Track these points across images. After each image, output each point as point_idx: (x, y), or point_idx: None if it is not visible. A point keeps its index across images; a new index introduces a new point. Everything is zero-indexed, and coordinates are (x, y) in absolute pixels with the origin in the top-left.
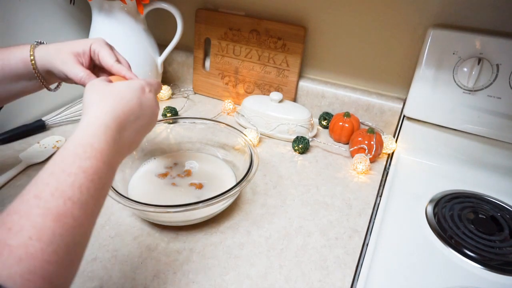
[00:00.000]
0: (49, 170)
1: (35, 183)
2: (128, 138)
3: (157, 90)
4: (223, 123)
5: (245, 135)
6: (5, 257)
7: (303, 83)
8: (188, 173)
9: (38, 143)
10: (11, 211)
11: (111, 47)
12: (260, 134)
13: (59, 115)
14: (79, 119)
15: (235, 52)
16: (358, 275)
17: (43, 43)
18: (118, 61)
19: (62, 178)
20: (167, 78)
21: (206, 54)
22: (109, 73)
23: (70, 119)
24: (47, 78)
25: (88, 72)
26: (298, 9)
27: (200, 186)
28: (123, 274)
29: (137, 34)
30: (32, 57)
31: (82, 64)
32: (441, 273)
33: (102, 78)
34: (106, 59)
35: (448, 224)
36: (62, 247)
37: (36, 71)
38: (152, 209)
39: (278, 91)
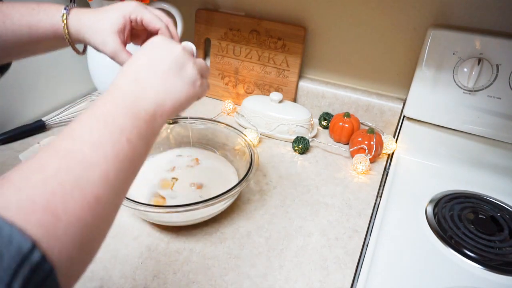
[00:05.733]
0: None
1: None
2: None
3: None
4: (223, 123)
5: (245, 135)
6: (4, 188)
7: (303, 83)
8: (196, 161)
9: (38, 143)
10: None
11: (147, 8)
12: (260, 134)
13: (59, 115)
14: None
15: (235, 53)
16: (358, 275)
17: (73, 6)
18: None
19: (73, 124)
20: None
21: (206, 55)
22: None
23: (70, 119)
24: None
25: (129, 54)
26: (298, 9)
27: (200, 187)
28: (123, 274)
29: None
30: (66, 30)
31: (124, 43)
32: (441, 273)
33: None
34: (153, 25)
35: (448, 224)
36: (69, 180)
37: (70, 41)
38: (152, 209)
39: (278, 91)
